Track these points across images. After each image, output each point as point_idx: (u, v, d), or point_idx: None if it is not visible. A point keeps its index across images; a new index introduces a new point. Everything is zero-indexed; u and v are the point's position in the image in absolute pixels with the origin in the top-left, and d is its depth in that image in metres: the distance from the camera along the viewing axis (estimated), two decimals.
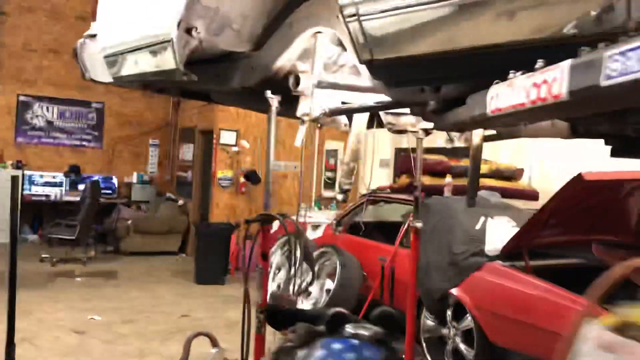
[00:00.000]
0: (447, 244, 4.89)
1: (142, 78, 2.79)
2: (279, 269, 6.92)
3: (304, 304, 6.00)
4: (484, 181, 5.90)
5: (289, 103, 2.65)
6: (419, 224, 2.98)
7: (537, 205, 5.67)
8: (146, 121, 11.69)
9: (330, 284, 5.82)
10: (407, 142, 8.63)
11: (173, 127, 11.72)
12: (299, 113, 2.39)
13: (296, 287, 6.34)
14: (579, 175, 3.84)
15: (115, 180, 11.11)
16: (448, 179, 5.53)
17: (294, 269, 2.91)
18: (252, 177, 9.15)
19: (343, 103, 2.45)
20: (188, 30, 2.47)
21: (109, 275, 8.18)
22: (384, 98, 2.27)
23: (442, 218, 5.12)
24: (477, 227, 4.91)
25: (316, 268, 6.09)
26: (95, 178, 10.35)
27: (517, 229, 4.83)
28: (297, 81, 2.32)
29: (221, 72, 2.79)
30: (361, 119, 2.55)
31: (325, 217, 8.05)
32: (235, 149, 9.27)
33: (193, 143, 10.34)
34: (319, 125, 2.49)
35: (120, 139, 11.47)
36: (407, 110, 2.49)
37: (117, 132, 11.44)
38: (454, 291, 4.71)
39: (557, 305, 3.96)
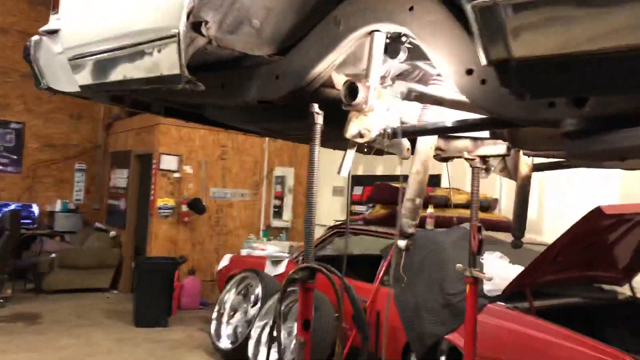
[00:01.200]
0: (439, 283, 4.43)
1: (125, 87, 2.13)
2: (234, 310, 6.22)
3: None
4: (463, 212, 5.53)
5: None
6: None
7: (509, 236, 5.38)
8: (72, 144, 10.65)
9: None
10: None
11: (103, 151, 10.73)
12: (349, 134, 1.83)
13: (258, 331, 5.69)
14: (598, 208, 3.50)
15: (35, 209, 9.96)
16: (430, 209, 5.10)
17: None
18: (196, 205, 8.39)
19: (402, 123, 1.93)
20: (195, 25, 1.87)
21: (30, 318, 7.12)
22: (467, 114, 1.76)
23: (430, 253, 4.66)
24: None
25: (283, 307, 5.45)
26: (13, 207, 9.20)
27: (510, 266, 4.47)
28: (353, 92, 1.76)
29: (230, 82, 2.19)
30: (428, 142, 2.02)
31: (277, 249, 7.42)
32: (177, 175, 8.49)
33: (127, 168, 9.43)
34: (366, 149, 1.94)
35: (42, 163, 10.35)
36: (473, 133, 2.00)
37: (38, 156, 10.32)
38: (450, 336, 4.22)
39: (573, 351, 3.58)
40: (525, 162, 2.37)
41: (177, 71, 1.89)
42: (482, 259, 4.55)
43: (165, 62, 1.91)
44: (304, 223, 1.98)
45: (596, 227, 3.96)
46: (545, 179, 6.39)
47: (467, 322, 2.70)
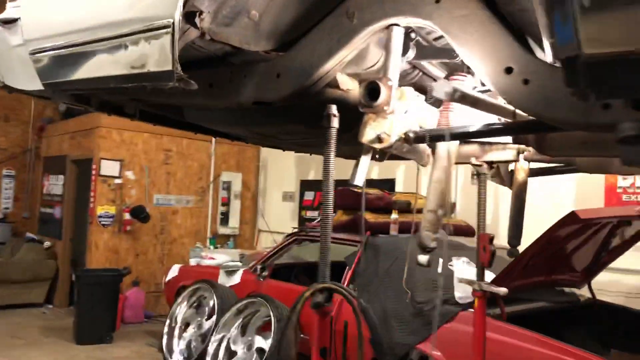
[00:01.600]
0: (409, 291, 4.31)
1: (100, 85, 1.87)
2: (186, 324, 5.89)
3: None
4: (421, 217, 5.46)
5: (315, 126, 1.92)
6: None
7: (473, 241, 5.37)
8: None
9: (261, 342, 4.96)
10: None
11: (34, 156, 10.05)
12: (366, 138, 1.65)
13: (215, 346, 5.40)
14: (573, 213, 3.49)
15: None
16: (394, 215, 4.99)
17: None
18: (139, 213, 7.97)
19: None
20: (188, 15, 1.66)
21: None
22: (491, 117, 1.62)
23: (397, 261, 4.54)
24: (439, 270, 4.39)
25: (239, 322, 5.21)
26: None
27: (465, 266, 4.41)
28: (374, 92, 1.58)
29: (220, 81, 1.97)
30: (450, 148, 1.86)
31: (228, 257, 7.14)
32: (118, 181, 8.03)
33: (63, 174, 8.86)
34: (377, 156, 1.76)
35: None
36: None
37: None
38: (421, 345, 4.11)
39: (547, 357, 3.55)
40: (522, 167, 2.27)
41: (168, 67, 1.66)
42: (451, 265, 4.48)
43: (155, 56, 1.67)
44: (320, 238, 1.79)
45: (567, 232, 3.97)
46: (499, 189, 6.44)
47: (476, 342, 2.55)
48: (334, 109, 1.74)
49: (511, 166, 2.41)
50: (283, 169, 8.68)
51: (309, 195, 8.28)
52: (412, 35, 1.87)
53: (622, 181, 5.31)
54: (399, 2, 1.65)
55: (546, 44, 1.17)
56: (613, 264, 4.68)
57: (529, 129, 1.58)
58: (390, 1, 1.66)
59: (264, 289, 5.37)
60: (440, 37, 2.09)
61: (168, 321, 5.92)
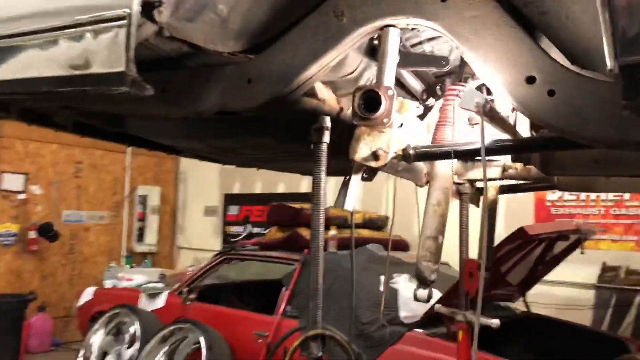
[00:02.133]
0: (351, 311, 4.11)
1: (28, 89, 1.52)
2: (103, 353, 5.37)
3: None
4: (362, 232, 5.32)
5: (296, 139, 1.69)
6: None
7: (410, 256, 5.29)
8: None
9: None
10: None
11: None
12: (359, 155, 1.42)
13: None
14: (522, 229, 3.44)
15: None
16: (333, 231, 4.79)
17: None
18: (47, 231, 7.29)
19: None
20: (145, 7, 1.37)
21: None
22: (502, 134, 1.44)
23: (337, 279, 4.33)
24: (381, 288, 4.23)
25: (166, 349, 4.80)
26: None
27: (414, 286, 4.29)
28: (373, 102, 1.36)
29: (176, 86, 1.68)
30: (447, 168, 1.65)
31: (146, 278, 6.66)
32: (22, 196, 7.32)
33: None
34: (365, 174, 1.54)
35: None
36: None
37: None
38: None
39: None
40: (493, 185, 2.14)
41: (120, 68, 1.36)
42: (393, 282, 4.34)
43: (103, 54, 1.36)
44: (312, 271, 1.54)
45: (511, 247, 3.95)
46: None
47: None
48: (327, 121, 1.51)
49: (479, 183, 2.28)
50: (205, 182, 8.28)
51: (234, 210, 7.94)
52: None
53: (551, 194, 5.42)
54: (398, 0, 1.45)
55: (608, 49, 1.00)
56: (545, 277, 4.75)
57: (544, 146, 1.43)
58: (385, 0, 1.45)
59: (192, 313, 4.99)
60: (419, 43, 1.91)
61: (82, 351, 5.37)
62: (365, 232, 5.29)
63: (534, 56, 1.30)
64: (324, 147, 1.49)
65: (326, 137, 1.50)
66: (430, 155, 1.50)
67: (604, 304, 5.05)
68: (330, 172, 2.39)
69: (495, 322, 1.91)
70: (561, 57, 1.29)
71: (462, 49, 1.36)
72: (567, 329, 4.71)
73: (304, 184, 7.41)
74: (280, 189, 7.60)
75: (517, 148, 1.47)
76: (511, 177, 2.02)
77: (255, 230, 7.65)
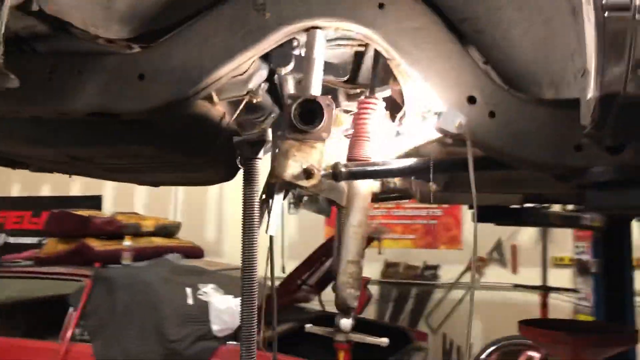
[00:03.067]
0: (156, 329, 3.77)
1: None
2: None
3: None
4: (156, 241, 4.92)
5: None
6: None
7: (210, 264, 5.09)
8: None
9: None
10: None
11: None
12: (289, 173, 1.23)
13: None
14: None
15: None
16: (127, 242, 4.34)
17: None
18: None
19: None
20: None
21: None
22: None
23: (137, 294, 3.93)
24: (190, 301, 3.96)
25: None
26: None
27: (229, 298, 4.14)
28: (311, 113, 1.19)
29: (36, 77, 1.30)
30: (366, 187, 1.47)
31: None
32: None
33: None
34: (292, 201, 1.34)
35: None
36: None
37: None
38: None
39: None
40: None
41: None
42: (201, 294, 4.08)
43: None
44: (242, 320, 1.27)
45: (320, 253, 4.02)
46: (224, 201, 6.29)
47: None
48: (269, 134, 1.27)
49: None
50: None
51: None
52: (294, 43, 1.51)
53: None
54: (332, 1, 1.29)
55: (592, 76, 1.00)
56: None
57: (482, 167, 1.40)
58: (321, 2, 1.29)
59: None
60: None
61: None
62: (158, 240, 4.92)
63: (475, 76, 1.27)
64: (258, 163, 1.26)
65: (261, 154, 1.28)
66: (365, 174, 1.38)
67: (386, 298, 5.49)
68: (198, 183, 2.12)
69: (384, 340, 1.87)
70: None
71: (402, 62, 1.27)
72: (357, 323, 5.01)
73: (74, 187, 6.64)
74: (45, 191, 6.69)
75: (451, 166, 1.42)
76: (390, 191, 2.01)
77: (13, 240, 6.62)
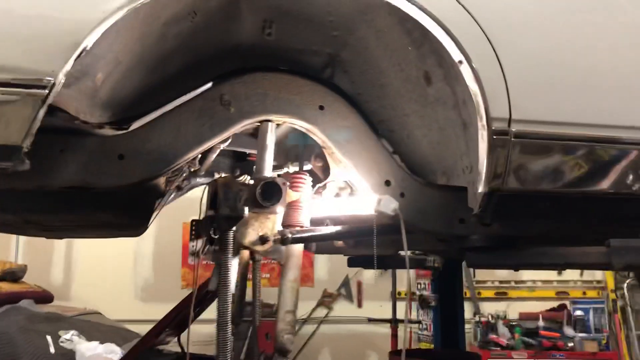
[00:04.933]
0: None
1: None
2: None
3: None
4: (2, 286, 4.63)
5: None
6: None
7: (61, 308, 4.90)
8: None
9: None
10: None
11: None
12: (248, 240, 1.49)
13: None
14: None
15: None
16: None
17: None
18: None
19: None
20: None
21: None
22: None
23: None
24: (52, 350, 3.83)
25: None
26: None
27: (95, 344, 4.09)
28: (271, 191, 1.47)
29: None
30: (300, 247, 1.70)
31: None
32: None
33: None
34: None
35: None
36: None
37: None
38: None
39: None
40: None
41: (16, 140, 1.15)
42: (63, 342, 3.94)
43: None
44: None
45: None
46: (74, 243, 6.05)
47: None
48: (245, 210, 1.48)
49: None
50: None
51: None
52: None
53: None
54: (283, 100, 1.59)
55: (481, 175, 1.41)
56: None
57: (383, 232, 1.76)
58: (273, 97, 1.57)
59: None
60: None
61: None
62: (5, 286, 4.64)
63: (390, 164, 1.66)
64: (232, 234, 1.48)
65: (235, 226, 1.50)
66: (307, 239, 1.67)
67: (243, 335, 5.68)
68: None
69: None
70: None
71: (337, 152, 1.62)
72: None
73: None
74: None
75: (366, 233, 1.77)
76: None
77: None
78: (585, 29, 1.49)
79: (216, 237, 1.52)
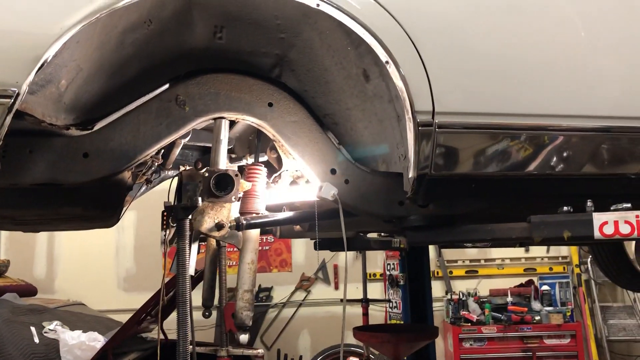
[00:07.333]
0: None
1: None
2: None
3: None
4: None
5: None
6: None
7: (44, 300, 5.02)
8: None
9: None
10: None
11: None
12: (205, 227, 1.66)
13: None
14: None
15: None
16: None
17: None
18: None
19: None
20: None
21: None
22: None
23: None
24: (36, 340, 3.98)
25: None
26: None
27: (80, 333, 4.23)
28: (224, 183, 1.63)
29: None
30: (256, 233, 1.86)
31: None
32: None
33: None
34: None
35: None
36: None
37: None
38: None
39: None
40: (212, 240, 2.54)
41: None
42: (47, 332, 4.09)
43: None
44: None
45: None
46: (56, 237, 6.16)
47: None
48: (200, 202, 1.63)
49: None
50: None
51: None
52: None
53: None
54: (234, 99, 1.74)
55: (410, 163, 1.58)
56: None
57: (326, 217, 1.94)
58: (224, 96, 1.73)
59: None
60: None
61: None
62: None
63: (334, 154, 1.82)
64: (188, 222, 1.64)
65: (191, 215, 1.65)
66: (260, 225, 1.83)
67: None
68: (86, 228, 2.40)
69: (260, 351, 2.30)
70: None
71: (286, 145, 1.78)
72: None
73: None
74: None
75: (310, 218, 1.93)
76: None
77: None
78: (501, 29, 1.66)
79: (173, 225, 1.68)
